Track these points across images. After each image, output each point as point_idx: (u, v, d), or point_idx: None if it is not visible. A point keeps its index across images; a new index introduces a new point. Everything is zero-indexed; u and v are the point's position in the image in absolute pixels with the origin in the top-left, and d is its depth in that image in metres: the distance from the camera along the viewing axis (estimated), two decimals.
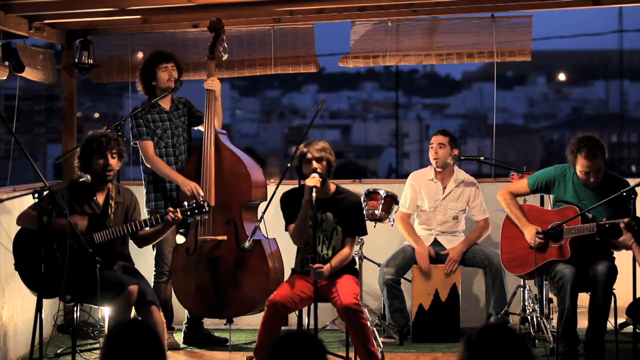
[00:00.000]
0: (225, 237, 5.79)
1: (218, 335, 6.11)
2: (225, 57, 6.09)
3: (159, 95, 5.98)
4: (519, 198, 5.67)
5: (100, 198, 5.20)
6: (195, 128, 6.17)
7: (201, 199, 5.31)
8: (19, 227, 5.16)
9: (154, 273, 5.98)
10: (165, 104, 6.06)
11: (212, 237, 5.78)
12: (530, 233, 5.40)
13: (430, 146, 6.32)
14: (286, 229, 5.21)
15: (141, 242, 5.29)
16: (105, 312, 5.62)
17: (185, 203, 5.15)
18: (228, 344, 5.92)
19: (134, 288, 4.92)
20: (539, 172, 5.60)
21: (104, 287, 4.78)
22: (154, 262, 6.00)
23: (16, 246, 5.17)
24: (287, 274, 5.54)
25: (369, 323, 5.63)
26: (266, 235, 5.87)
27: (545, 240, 5.32)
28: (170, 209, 5.10)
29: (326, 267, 4.96)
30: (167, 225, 5.15)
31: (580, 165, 5.26)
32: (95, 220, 5.05)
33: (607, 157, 5.30)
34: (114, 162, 5.17)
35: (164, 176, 5.89)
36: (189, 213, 5.11)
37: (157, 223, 5.11)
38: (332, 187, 5.20)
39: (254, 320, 6.31)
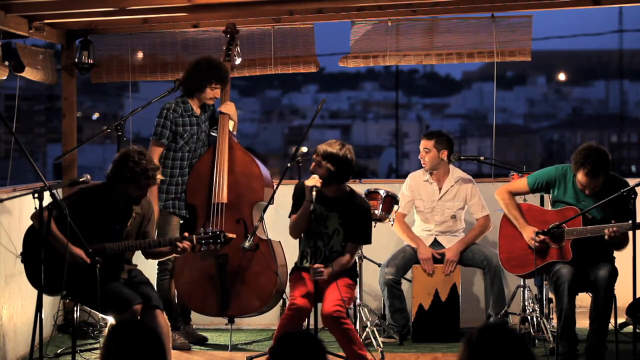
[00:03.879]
0: (234, 236, 5.81)
1: (200, 334, 6.16)
2: (238, 60, 6.20)
3: (192, 98, 6.02)
4: (518, 197, 5.66)
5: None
6: (214, 133, 6.18)
7: (217, 229, 5.28)
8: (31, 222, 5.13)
9: (157, 271, 6.00)
10: (197, 108, 6.07)
11: None
12: (528, 235, 5.39)
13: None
14: (289, 216, 5.21)
15: (148, 256, 5.30)
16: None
17: (202, 230, 5.17)
18: (228, 343, 5.93)
19: (138, 308, 4.92)
20: (539, 172, 5.57)
21: (109, 299, 4.81)
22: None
23: (26, 240, 5.16)
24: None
25: (368, 324, 5.62)
26: (267, 236, 5.86)
27: (544, 243, 5.30)
28: (186, 233, 5.13)
29: (326, 272, 4.96)
30: (172, 251, 5.16)
31: (579, 178, 5.24)
32: (113, 230, 5.06)
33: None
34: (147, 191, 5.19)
35: None
36: (203, 241, 5.13)
37: (169, 244, 5.14)
38: (347, 189, 5.18)
39: (254, 321, 6.32)
